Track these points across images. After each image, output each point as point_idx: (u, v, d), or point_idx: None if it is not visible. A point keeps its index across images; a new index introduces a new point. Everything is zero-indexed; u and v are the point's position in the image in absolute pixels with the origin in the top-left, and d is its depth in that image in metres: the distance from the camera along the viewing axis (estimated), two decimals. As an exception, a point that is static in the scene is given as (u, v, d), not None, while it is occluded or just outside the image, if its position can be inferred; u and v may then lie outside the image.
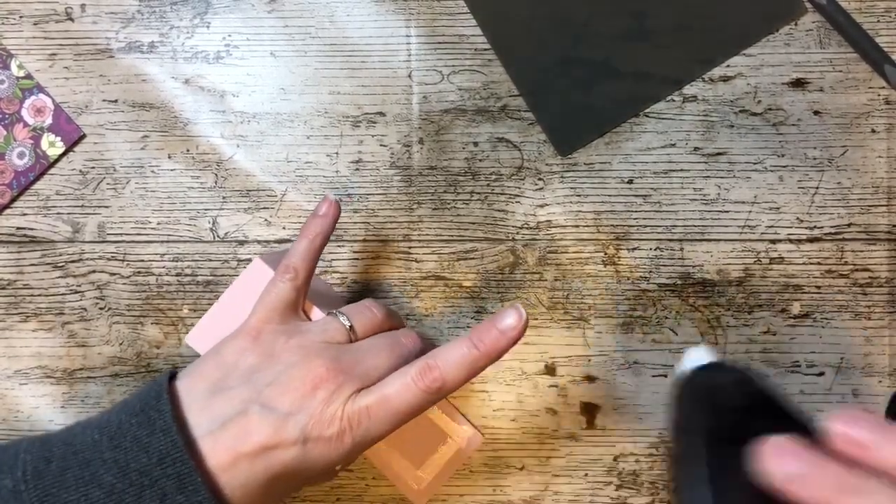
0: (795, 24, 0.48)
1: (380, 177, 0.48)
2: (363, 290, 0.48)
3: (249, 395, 0.34)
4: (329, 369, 0.34)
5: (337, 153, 0.48)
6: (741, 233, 0.47)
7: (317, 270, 0.47)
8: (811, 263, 0.47)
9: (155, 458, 0.32)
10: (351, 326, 0.37)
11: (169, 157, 0.48)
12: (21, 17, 0.48)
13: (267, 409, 0.33)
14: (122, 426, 0.33)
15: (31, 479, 0.31)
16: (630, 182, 0.48)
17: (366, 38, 0.48)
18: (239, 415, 0.33)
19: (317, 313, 0.39)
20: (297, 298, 0.38)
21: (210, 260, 0.48)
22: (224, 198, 0.48)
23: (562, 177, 0.48)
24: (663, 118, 0.48)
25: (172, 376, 0.35)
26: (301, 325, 0.37)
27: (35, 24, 0.48)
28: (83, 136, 0.48)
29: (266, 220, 0.48)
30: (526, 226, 0.48)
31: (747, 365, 0.37)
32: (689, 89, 0.48)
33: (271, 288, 0.38)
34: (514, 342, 0.35)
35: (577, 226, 0.48)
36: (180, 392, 0.34)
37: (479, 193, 0.48)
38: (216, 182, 0.48)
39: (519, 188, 0.48)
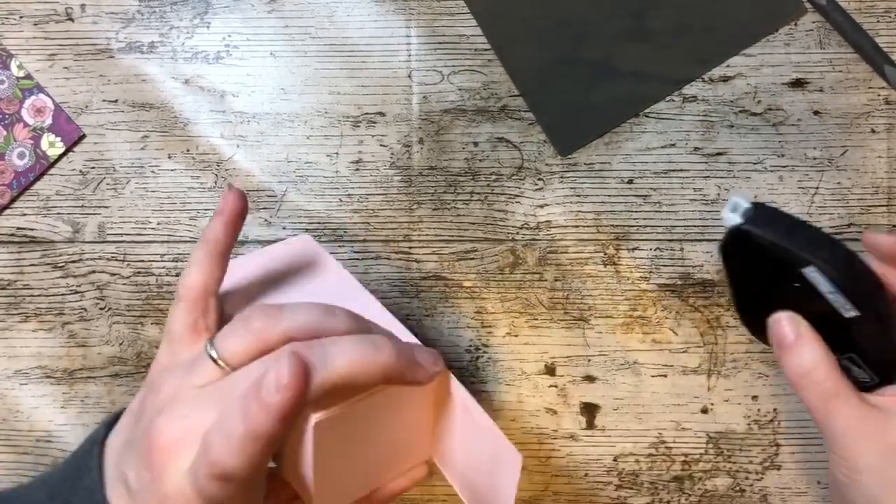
0: (795, 25, 0.48)
1: (380, 177, 0.48)
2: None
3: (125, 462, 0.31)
4: (163, 445, 0.29)
5: (337, 153, 0.48)
6: (741, 233, 0.47)
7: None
8: (811, 263, 0.47)
9: None
10: (217, 358, 0.30)
11: (169, 158, 0.48)
12: (21, 17, 0.48)
13: (123, 484, 0.30)
14: (61, 482, 0.32)
15: None
16: (630, 182, 0.48)
17: (366, 38, 0.48)
18: (122, 483, 0.30)
19: None
20: (193, 320, 0.32)
21: (210, 260, 0.48)
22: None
23: (562, 177, 0.48)
24: (663, 118, 0.48)
25: (112, 423, 0.33)
26: (182, 361, 0.32)
27: (35, 24, 0.48)
28: (83, 137, 0.48)
29: (266, 220, 0.48)
30: (526, 226, 0.48)
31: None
32: (688, 89, 0.48)
33: (170, 313, 0.33)
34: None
35: (577, 226, 0.48)
36: (108, 457, 0.32)
37: (479, 193, 0.48)
38: (216, 182, 0.48)
39: (519, 188, 0.48)
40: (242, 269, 0.37)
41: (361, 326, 0.31)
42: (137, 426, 0.31)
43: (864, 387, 0.36)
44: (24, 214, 0.48)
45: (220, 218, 0.34)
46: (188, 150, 0.48)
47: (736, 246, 0.35)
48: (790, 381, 0.35)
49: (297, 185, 0.48)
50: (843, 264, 0.34)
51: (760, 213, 0.35)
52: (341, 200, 0.48)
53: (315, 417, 0.29)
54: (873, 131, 0.47)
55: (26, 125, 0.47)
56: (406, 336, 0.34)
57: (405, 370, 0.30)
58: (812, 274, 0.34)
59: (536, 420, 0.48)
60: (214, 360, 0.30)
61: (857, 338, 0.35)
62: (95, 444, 0.32)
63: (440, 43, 0.48)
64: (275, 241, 0.48)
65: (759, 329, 0.37)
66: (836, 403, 0.33)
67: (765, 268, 0.35)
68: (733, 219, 0.35)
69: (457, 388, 0.33)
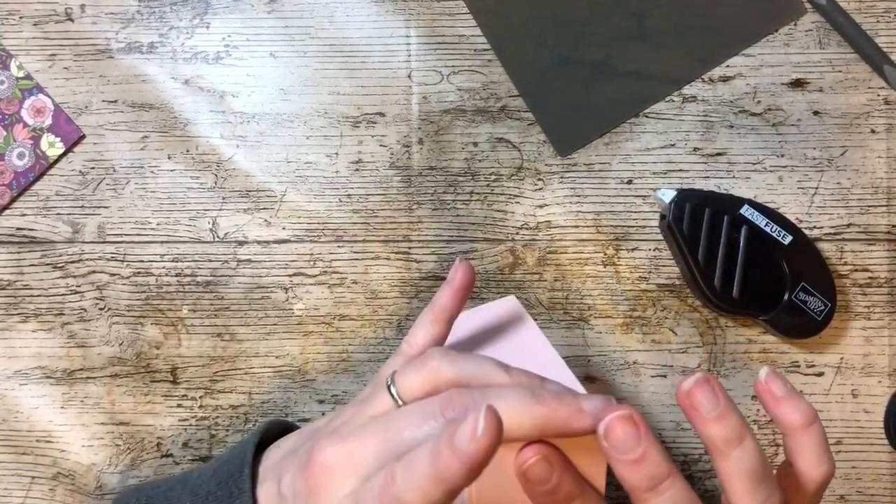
0: (795, 25, 0.48)
1: (379, 177, 0.48)
2: (363, 290, 0.48)
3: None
4: (326, 462, 0.30)
5: (337, 153, 0.48)
6: (741, 233, 0.47)
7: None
8: (811, 263, 0.47)
9: None
10: (393, 390, 0.31)
11: (169, 158, 0.48)
12: (21, 17, 0.48)
13: (276, 484, 0.32)
14: (209, 491, 0.34)
15: None
16: (630, 182, 0.48)
17: (365, 39, 0.48)
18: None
19: None
20: None
21: (210, 260, 0.48)
22: (224, 198, 0.48)
23: (561, 177, 0.48)
24: (663, 118, 0.48)
25: (259, 440, 0.35)
26: (367, 394, 0.33)
27: (35, 24, 0.48)
28: (83, 137, 0.48)
29: (266, 220, 0.48)
30: (525, 226, 0.48)
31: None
32: (688, 89, 0.48)
33: (387, 362, 0.36)
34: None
35: (576, 226, 0.48)
36: (264, 462, 0.34)
37: (478, 194, 0.48)
38: (216, 182, 0.48)
39: (518, 188, 0.48)
40: (456, 327, 0.39)
41: (532, 383, 0.31)
42: (309, 441, 0.33)
43: (820, 317, 0.45)
44: (24, 215, 0.48)
45: (450, 288, 0.37)
46: (188, 151, 0.48)
47: (678, 213, 0.44)
48: None
49: (297, 185, 0.48)
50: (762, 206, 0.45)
51: (686, 189, 0.45)
52: (341, 200, 0.48)
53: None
54: (873, 131, 0.47)
55: (26, 125, 0.47)
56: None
57: (568, 420, 0.29)
58: (748, 211, 0.44)
59: (536, 420, 0.48)
60: (391, 393, 0.31)
61: (799, 264, 0.45)
62: (246, 465, 0.33)
63: (440, 43, 0.48)
64: (274, 242, 0.48)
65: (711, 297, 0.44)
66: None
67: (707, 226, 0.44)
68: (669, 194, 0.44)
69: None
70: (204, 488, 0.34)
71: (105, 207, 0.48)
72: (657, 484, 0.28)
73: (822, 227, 0.47)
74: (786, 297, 0.45)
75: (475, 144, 0.48)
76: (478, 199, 0.48)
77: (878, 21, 0.47)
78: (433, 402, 0.30)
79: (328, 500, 0.30)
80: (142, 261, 0.48)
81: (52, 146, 0.47)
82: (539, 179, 0.48)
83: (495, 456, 0.27)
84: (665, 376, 0.47)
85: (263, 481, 0.33)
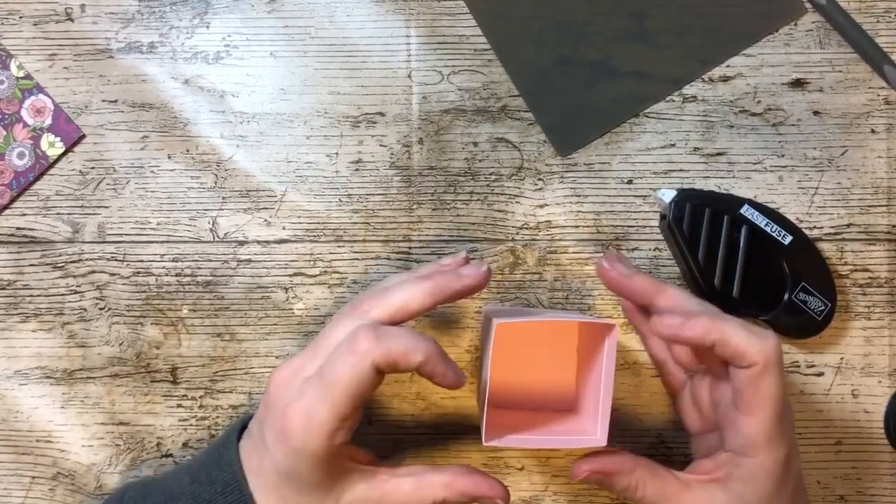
0: (795, 24, 0.48)
1: (380, 177, 0.48)
2: (363, 290, 0.48)
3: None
4: (278, 379, 0.39)
5: (337, 153, 0.48)
6: (741, 233, 0.47)
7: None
8: (811, 263, 0.47)
9: (219, 487, 0.38)
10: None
11: (169, 158, 0.48)
12: (21, 17, 0.48)
13: (249, 439, 0.40)
14: (201, 464, 0.40)
15: None
16: (630, 182, 0.48)
17: (366, 39, 0.48)
18: None
19: None
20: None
21: (210, 260, 0.48)
22: (224, 198, 0.48)
23: (561, 177, 0.48)
24: (663, 118, 0.48)
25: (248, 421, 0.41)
26: None
27: (35, 24, 0.48)
28: (83, 137, 0.48)
29: (266, 220, 0.48)
30: (526, 226, 0.48)
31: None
32: (688, 89, 0.48)
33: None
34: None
35: (576, 226, 0.48)
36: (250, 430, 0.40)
37: (478, 194, 0.48)
38: (216, 182, 0.48)
39: (519, 188, 0.48)
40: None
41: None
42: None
43: (821, 317, 0.45)
44: (24, 214, 0.48)
45: (461, 281, 0.39)
46: (188, 151, 0.48)
47: (679, 213, 0.44)
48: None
49: (297, 185, 0.48)
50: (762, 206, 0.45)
51: (686, 189, 0.46)
52: (341, 200, 0.48)
53: (497, 321, 0.38)
54: (873, 131, 0.47)
55: (26, 125, 0.47)
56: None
57: (450, 284, 0.38)
58: (748, 211, 0.44)
59: (536, 420, 0.48)
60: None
61: (799, 264, 0.45)
62: (234, 432, 0.40)
63: (440, 43, 0.48)
64: (274, 242, 0.48)
65: (711, 297, 0.44)
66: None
67: (707, 226, 0.44)
68: (669, 194, 0.45)
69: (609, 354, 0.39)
70: (197, 460, 0.41)
71: (105, 207, 0.48)
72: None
73: (822, 227, 0.47)
74: (786, 297, 0.45)
75: (475, 144, 0.48)
76: (478, 199, 0.48)
77: (878, 21, 0.47)
78: (347, 310, 0.38)
79: (287, 396, 0.36)
80: (142, 261, 0.48)
81: (52, 146, 0.47)
82: (539, 179, 0.48)
83: (518, 339, 0.44)
84: (665, 376, 0.47)
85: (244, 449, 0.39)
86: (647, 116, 0.48)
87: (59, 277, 0.48)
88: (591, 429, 0.39)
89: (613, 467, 0.38)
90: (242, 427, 0.41)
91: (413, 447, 0.47)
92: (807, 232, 0.47)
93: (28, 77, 0.48)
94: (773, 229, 0.44)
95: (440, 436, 0.47)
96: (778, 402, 0.36)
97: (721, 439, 0.39)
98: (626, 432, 0.47)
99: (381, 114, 0.48)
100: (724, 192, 0.47)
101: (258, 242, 0.48)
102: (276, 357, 0.48)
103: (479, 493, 0.38)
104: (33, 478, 0.47)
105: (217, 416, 0.48)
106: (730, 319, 0.37)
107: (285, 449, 0.36)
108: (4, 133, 0.47)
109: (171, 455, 0.47)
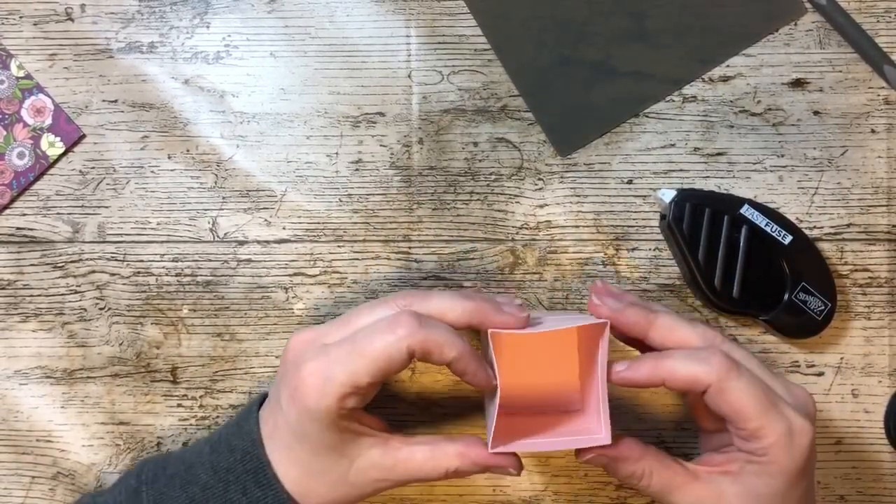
0: (795, 24, 0.48)
1: (380, 177, 0.48)
2: (363, 290, 0.48)
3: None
4: (296, 346, 0.40)
5: (337, 153, 0.48)
6: (741, 233, 0.47)
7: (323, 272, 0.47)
8: (811, 263, 0.47)
9: (238, 455, 0.38)
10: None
11: (169, 158, 0.48)
12: (21, 17, 0.48)
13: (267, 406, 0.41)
14: (221, 435, 0.40)
15: (149, 481, 0.40)
16: (630, 182, 0.48)
17: (366, 39, 0.48)
18: None
19: None
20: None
21: (210, 260, 0.48)
22: (224, 198, 0.48)
23: (561, 177, 0.48)
24: (663, 118, 0.48)
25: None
26: None
27: (35, 24, 0.48)
28: (83, 137, 0.48)
29: (266, 220, 0.48)
30: (526, 226, 0.48)
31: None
32: (688, 89, 0.48)
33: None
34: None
35: (576, 226, 0.48)
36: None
37: (478, 194, 0.48)
38: (216, 182, 0.48)
39: (519, 188, 0.48)
40: None
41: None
42: None
43: (821, 317, 0.45)
44: (24, 214, 0.48)
45: (500, 316, 0.38)
46: (188, 151, 0.48)
47: (679, 213, 0.44)
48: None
49: (297, 185, 0.48)
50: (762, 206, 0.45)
51: (686, 189, 0.45)
52: (341, 200, 0.48)
53: (492, 330, 0.38)
54: (873, 131, 0.47)
55: (26, 125, 0.47)
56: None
57: (488, 313, 0.38)
58: (748, 210, 0.44)
59: (536, 420, 0.48)
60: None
61: (799, 264, 0.45)
62: (255, 403, 0.41)
63: (440, 43, 0.48)
64: (274, 242, 0.48)
65: (712, 297, 0.45)
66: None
67: (707, 225, 0.44)
68: (669, 194, 0.45)
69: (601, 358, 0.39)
70: (217, 432, 0.41)
71: (105, 207, 0.48)
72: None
73: (822, 227, 0.47)
74: (786, 297, 0.45)
75: (475, 144, 0.48)
76: (478, 199, 0.48)
77: (878, 21, 0.47)
78: (383, 300, 0.39)
79: (305, 355, 0.37)
80: (142, 260, 0.48)
81: (52, 146, 0.47)
82: (539, 179, 0.48)
83: (519, 347, 0.42)
84: (665, 376, 0.47)
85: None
86: (647, 116, 0.48)
87: (59, 277, 0.48)
88: (596, 428, 0.39)
89: (620, 453, 0.38)
90: (263, 398, 0.42)
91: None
92: (807, 232, 0.47)
93: (28, 77, 0.48)
94: (773, 229, 0.44)
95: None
96: (763, 399, 0.36)
97: (732, 436, 0.38)
98: (626, 432, 0.47)
99: (381, 114, 0.48)
100: (724, 192, 0.47)
101: (258, 242, 0.48)
102: (276, 357, 0.48)
103: (492, 462, 0.38)
104: (33, 477, 0.47)
105: (217, 416, 0.48)
106: (671, 355, 0.38)
107: (298, 408, 0.36)
108: (4, 133, 0.47)
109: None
